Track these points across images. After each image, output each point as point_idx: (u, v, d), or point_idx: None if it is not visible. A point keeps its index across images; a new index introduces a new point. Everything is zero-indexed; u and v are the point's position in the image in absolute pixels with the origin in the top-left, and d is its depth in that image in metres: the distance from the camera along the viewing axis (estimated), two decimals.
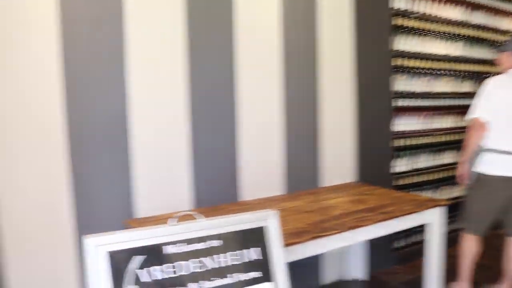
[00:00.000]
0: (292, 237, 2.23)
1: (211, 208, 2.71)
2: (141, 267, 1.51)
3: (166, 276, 1.53)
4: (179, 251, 1.56)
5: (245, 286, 1.64)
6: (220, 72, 2.79)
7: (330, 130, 3.29)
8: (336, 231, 2.33)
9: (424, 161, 3.94)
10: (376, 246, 3.53)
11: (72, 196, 2.34)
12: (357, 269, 3.47)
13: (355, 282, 3.43)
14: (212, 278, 1.59)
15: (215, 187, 2.83)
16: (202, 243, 1.59)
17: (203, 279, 1.58)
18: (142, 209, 2.55)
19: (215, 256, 1.60)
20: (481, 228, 3.02)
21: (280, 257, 1.70)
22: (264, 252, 1.68)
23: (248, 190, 2.96)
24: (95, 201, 2.42)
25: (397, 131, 3.71)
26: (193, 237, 1.58)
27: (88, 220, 2.39)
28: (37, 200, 2.26)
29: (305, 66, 3.14)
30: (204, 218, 1.61)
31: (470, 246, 3.05)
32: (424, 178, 3.97)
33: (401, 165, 3.77)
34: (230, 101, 2.83)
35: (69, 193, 2.33)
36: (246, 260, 1.65)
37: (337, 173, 3.37)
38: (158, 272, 1.53)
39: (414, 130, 3.84)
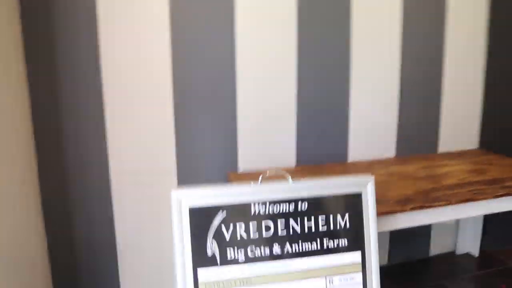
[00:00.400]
0: (394, 205, 2.08)
1: (314, 167, 2.63)
2: (224, 224, 1.48)
3: (249, 236, 1.49)
4: (264, 212, 1.50)
5: (331, 253, 1.54)
6: (332, 17, 2.61)
7: (452, 88, 2.97)
8: (444, 203, 2.12)
9: None
10: (497, 222, 3.20)
11: (178, 147, 2.40)
12: (471, 244, 3.19)
13: (466, 257, 3.16)
14: (297, 242, 1.52)
15: (321, 145, 2.72)
16: (290, 205, 1.51)
17: (288, 242, 1.52)
18: (245, 162, 2.54)
19: (302, 219, 1.52)
20: None
21: (373, 226, 1.57)
22: (356, 219, 1.56)
23: (356, 150, 2.81)
24: (200, 153, 2.45)
25: None
26: (281, 198, 1.51)
27: (192, 172, 2.44)
28: (145, 148, 2.35)
29: (428, 9, 2.82)
30: (294, 179, 1.53)
31: None
32: None
33: None
34: (343, 53, 2.66)
35: (175, 144, 2.39)
36: (336, 226, 1.54)
37: (458, 137, 3.06)
38: (242, 231, 1.49)
39: None
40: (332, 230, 1.54)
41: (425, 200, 2.13)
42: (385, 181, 2.42)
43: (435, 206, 2.11)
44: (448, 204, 2.12)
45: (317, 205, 1.53)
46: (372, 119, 2.81)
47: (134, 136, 2.33)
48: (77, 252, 2.39)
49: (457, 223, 3.18)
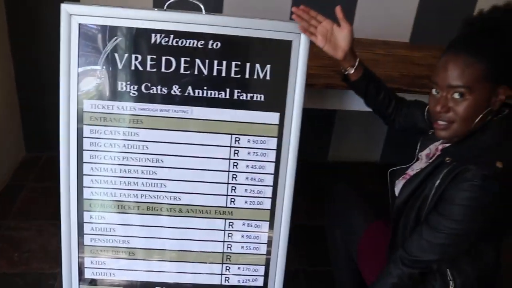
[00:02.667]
0: None
1: None
2: (118, 52, 1.24)
3: (145, 69, 1.26)
4: (166, 43, 1.25)
5: (242, 109, 1.30)
6: None
7: None
8: (427, 90, 1.76)
9: None
10: None
11: None
12: None
13: None
14: (201, 87, 1.28)
15: (322, 12, 2.35)
16: (198, 41, 1.24)
17: (191, 85, 1.27)
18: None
19: (211, 61, 1.26)
20: None
21: (300, 86, 1.29)
22: (279, 74, 1.28)
23: (365, 27, 2.41)
24: None
25: None
26: (188, 30, 1.24)
27: None
28: None
29: None
30: (209, 13, 1.24)
31: None
32: None
33: None
34: None
35: None
36: (252, 77, 1.28)
37: None
38: (138, 62, 1.26)
39: None
40: (247, 80, 1.28)
41: (408, 84, 1.79)
42: (378, 60, 2.09)
43: (415, 92, 1.77)
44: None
45: (232, 47, 1.26)
46: None
47: None
48: None
49: None
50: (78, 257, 1.38)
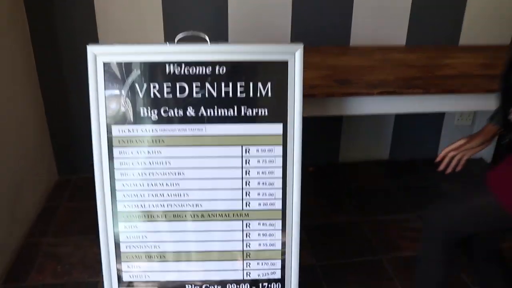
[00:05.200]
0: (362, 87, 1.94)
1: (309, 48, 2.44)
2: (138, 83, 1.45)
3: (163, 96, 1.46)
4: (179, 72, 1.44)
5: (250, 122, 1.49)
6: None
7: None
8: (419, 91, 1.94)
9: None
10: None
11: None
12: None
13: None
14: (213, 107, 1.47)
15: (320, 25, 2.54)
16: (207, 68, 1.44)
17: (203, 106, 1.47)
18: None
19: (219, 84, 1.45)
20: None
21: (298, 99, 1.47)
22: (279, 90, 1.47)
23: (361, 34, 2.61)
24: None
25: None
26: (197, 60, 1.44)
27: None
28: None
29: None
30: (214, 43, 1.44)
31: None
32: None
33: None
34: None
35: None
36: (256, 95, 1.46)
37: (488, 30, 2.70)
38: (155, 90, 1.46)
39: None
40: (251, 98, 1.46)
41: (401, 86, 1.96)
42: (374, 66, 2.25)
43: (408, 94, 1.94)
44: (425, 93, 1.94)
45: (236, 71, 1.45)
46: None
47: None
48: None
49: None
50: (116, 263, 1.57)
